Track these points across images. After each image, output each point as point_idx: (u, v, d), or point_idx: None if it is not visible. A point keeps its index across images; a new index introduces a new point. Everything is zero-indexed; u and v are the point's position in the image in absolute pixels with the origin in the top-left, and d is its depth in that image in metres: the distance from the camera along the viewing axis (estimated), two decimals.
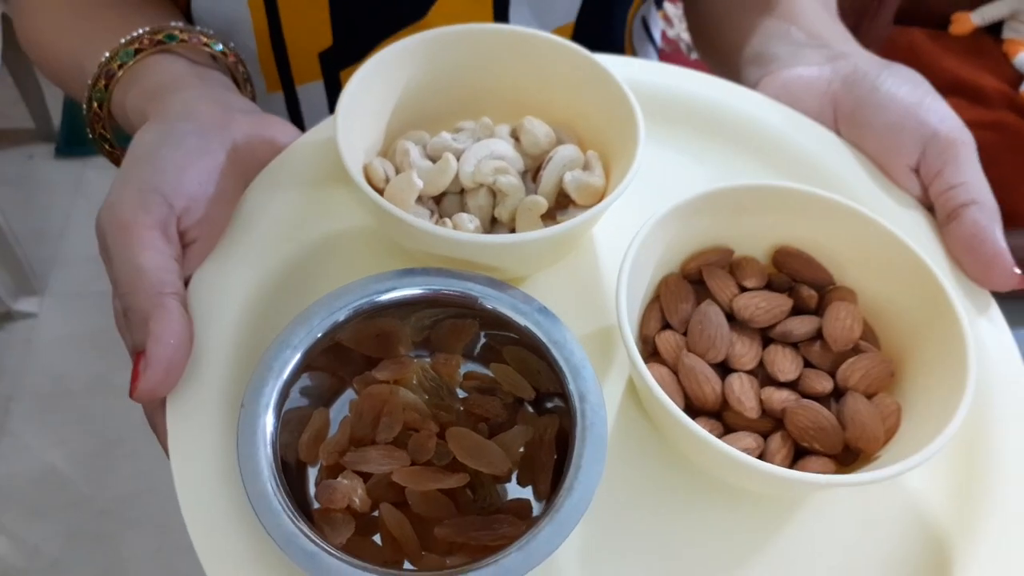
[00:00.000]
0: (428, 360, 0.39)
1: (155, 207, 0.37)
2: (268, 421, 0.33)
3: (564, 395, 0.34)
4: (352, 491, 0.34)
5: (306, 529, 0.30)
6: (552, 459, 0.36)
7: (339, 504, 0.33)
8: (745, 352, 0.38)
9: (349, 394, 0.39)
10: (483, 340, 0.40)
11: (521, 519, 0.35)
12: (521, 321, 0.36)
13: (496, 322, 0.37)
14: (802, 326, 0.39)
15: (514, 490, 0.37)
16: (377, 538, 0.35)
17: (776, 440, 0.36)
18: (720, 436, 0.36)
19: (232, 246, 0.41)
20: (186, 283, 0.39)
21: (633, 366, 0.34)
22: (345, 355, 0.38)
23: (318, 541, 0.30)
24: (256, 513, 0.30)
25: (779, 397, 0.37)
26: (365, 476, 0.35)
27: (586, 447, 0.32)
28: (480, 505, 0.35)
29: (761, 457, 0.35)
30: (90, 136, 0.49)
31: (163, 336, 0.35)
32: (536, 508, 0.36)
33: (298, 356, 0.34)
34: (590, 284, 0.43)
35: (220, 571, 0.32)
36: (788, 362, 0.38)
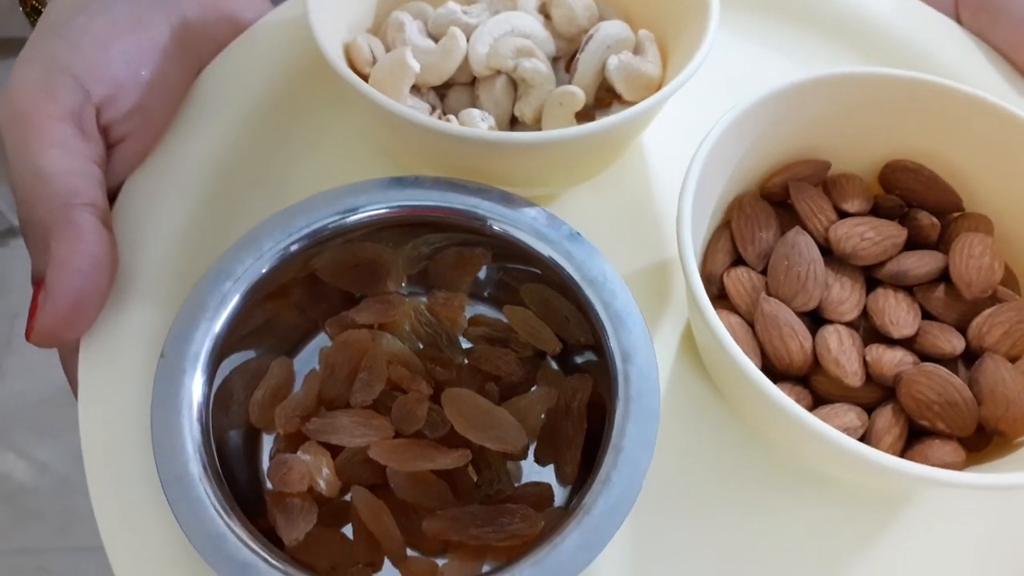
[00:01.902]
0: (424, 300, 0.30)
1: (64, 92, 0.28)
2: (196, 379, 0.24)
3: (600, 350, 0.25)
4: (315, 469, 0.25)
5: (238, 528, 0.22)
6: (582, 433, 0.27)
7: (296, 486, 0.25)
8: (845, 298, 0.28)
9: (320, 341, 0.30)
10: (495, 275, 0.31)
11: (539, 510, 0.26)
12: (546, 251, 0.27)
13: (512, 252, 0.28)
14: (921, 264, 0.29)
15: (530, 470, 0.28)
16: (349, 531, 0.26)
17: (885, 416, 0.27)
18: (809, 409, 0.27)
19: (175, 148, 0.32)
20: (113, 195, 0.30)
21: (698, 312, 0.25)
22: (316, 290, 0.29)
23: (254, 545, 0.22)
24: (170, 504, 0.22)
25: (890, 359, 0.27)
26: (334, 450, 0.26)
27: (630, 423, 0.23)
28: (485, 492, 0.26)
29: (864, 439, 0.26)
30: (23, 10, 0.40)
31: (70, 260, 0.26)
32: (559, 495, 0.27)
33: (241, 291, 0.26)
34: (638, 205, 0.34)
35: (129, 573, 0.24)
36: (903, 312, 0.28)
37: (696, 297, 0.25)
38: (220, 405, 0.25)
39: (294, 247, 0.27)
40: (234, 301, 0.25)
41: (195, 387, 0.24)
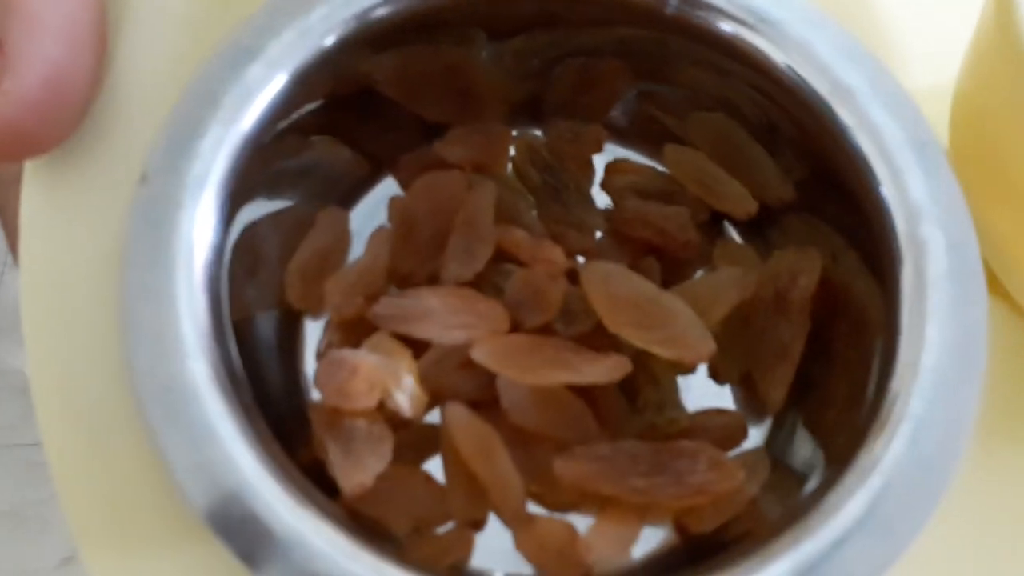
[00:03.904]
0: (539, 135, 0.20)
1: None
2: (202, 218, 0.15)
3: (855, 201, 0.16)
4: (390, 375, 0.16)
5: (270, 473, 0.13)
6: (802, 338, 0.17)
7: (362, 400, 0.16)
8: None
9: (386, 191, 0.20)
10: (643, 106, 0.20)
11: (724, 450, 0.17)
12: (776, 55, 0.16)
13: (695, 51, 0.18)
14: None
15: (698, 392, 0.19)
16: (438, 471, 0.17)
17: None
18: None
19: None
20: None
21: None
22: (382, 111, 0.20)
23: (291, 493, 0.13)
24: (152, 433, 0.13)
25: None
26: (417, 348, 0.17)
27: (936, 323, 0.14)
28: (649, 421, 0.17)
29: None
30: None
31: (41, 15, 0.16)
32: (756, 434, 0.18)
33: (280, 82, 0.16)
34: None
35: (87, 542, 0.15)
36: None
37: None
38: (242, 268, 0.16)
39: (361, 22, 0.16)
40: (269, 96, 0.15)
41: (199, 231, 0.14)
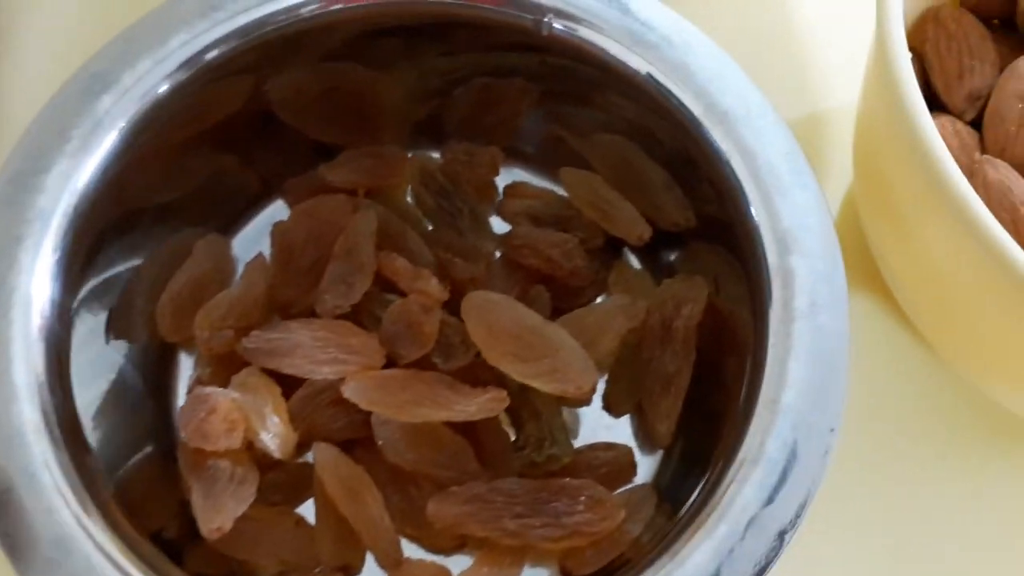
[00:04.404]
0: (436, 157, 0.20)
1: None
2: (42, 257, 0.14)
3: (731, 230, 0.15)
4: (255, 413, 0.16)
5: (99, 525, 0.12)
6: (689, 369, 0.17)
7: (221, 440, 0.15)
8: None
9: (276, 213, 0.20)
10: (545, 125, 0.20)
11: (611, 488, 0.16)
12: (641, 66, 0.16)
13: (577, 72, 0.17)
14: None
15: (593, 425, 0.18)
16: (311, 513, 0.17)
17: None
18: None
19: None
20: None
21: (920, 163, 0.14)
22: (275, 133, 0.19)
23: (124, 553, 0.12)
24: None
25: None
26: (288, 384, 0.16)
27: (794, 359, 0.13)
28: (530, 458, 0.17)
29: None
30: None
31: None
32: (647, 466, 0.17)
33: (130, 113, 0.15)
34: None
35: None
36: None
37: (921, 130, 0.14)
38: (119, 314, 0.15)
39: (222, 49, 0.16)
40: (119, 127, 0.15)
41: (38, 271, 0.14)
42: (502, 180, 0.20)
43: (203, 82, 0.16)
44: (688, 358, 0.16)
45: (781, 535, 0.12)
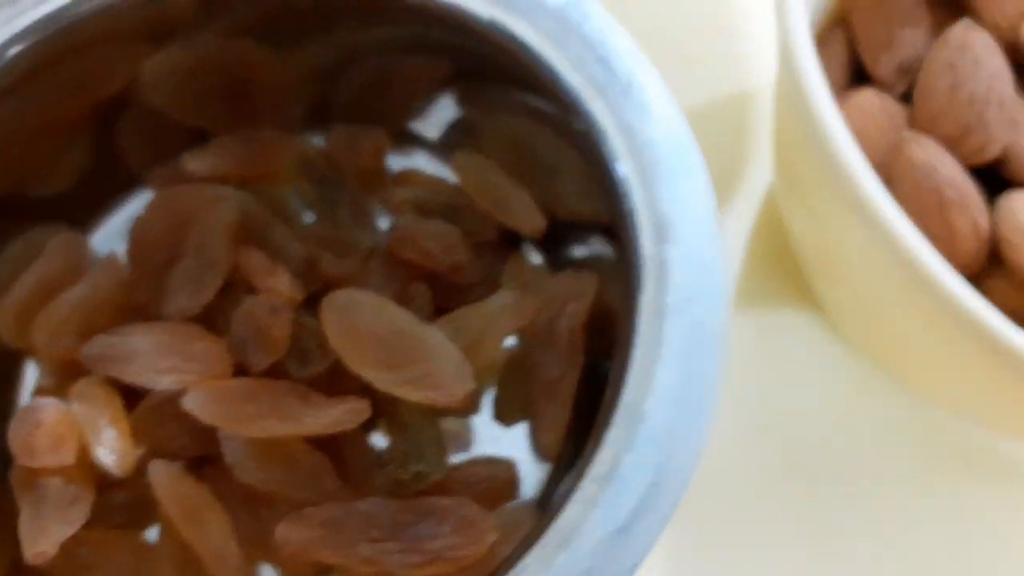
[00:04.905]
0: (320, 142, 0.18)
1: None
2: None
3: (612, 228, 0.13)
4: (89, 427, 0.14)
5: None
6: (576, 373, 0.15)
7: (44, 458, 0.14)
8: None
9: (143, 200, 0.18)
10: (455, 109, 0.18)
11: (492, 506, 0.14)
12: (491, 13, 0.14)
13: (475, 48, 0.15)
14: None
15: (487, 437, 0.16)
16: (156, 533, 0.15)
17: None
18: None
19: None
20: None
21: (824, 151, 0.12)
22: (144, 120, 0.17)
23: None
24: None
25: None
26: (130, 394, 0.15)
27: (663, 361, 0.11)
28: (395, 475, 0.15)
29: None
30: None
31: None
32: (531, 481, 0.16)
33: None
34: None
35: None
36: None
37: (820, 119, 0.12)
38: None
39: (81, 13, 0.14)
40: None
41: None
42: (393, 165, 0.18)
43: (59, 52, 0.14)
44: (574, 361, 0.15)
45: (631, 570, 0.10)
